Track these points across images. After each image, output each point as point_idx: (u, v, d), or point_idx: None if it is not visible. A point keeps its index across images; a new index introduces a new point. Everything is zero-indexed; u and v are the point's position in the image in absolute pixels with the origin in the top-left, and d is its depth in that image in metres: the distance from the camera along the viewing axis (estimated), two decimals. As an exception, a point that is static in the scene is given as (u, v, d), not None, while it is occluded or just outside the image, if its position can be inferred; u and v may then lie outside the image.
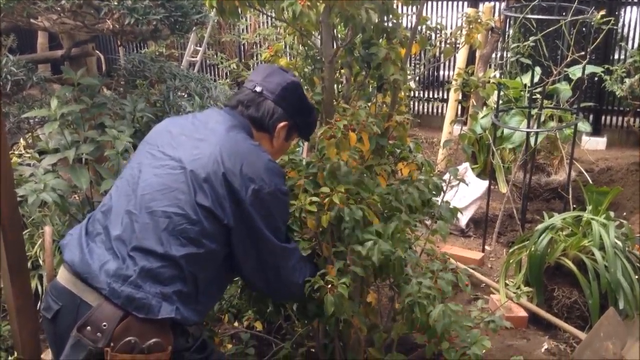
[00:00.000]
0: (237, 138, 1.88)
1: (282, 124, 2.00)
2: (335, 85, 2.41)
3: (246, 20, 7.89)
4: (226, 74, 7.91)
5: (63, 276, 1.78)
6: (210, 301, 1.92)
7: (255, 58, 7.72)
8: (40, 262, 3.49)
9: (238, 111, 1.99)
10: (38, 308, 2.85)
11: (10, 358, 2.89)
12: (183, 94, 3.54)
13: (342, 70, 2.43)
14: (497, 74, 6.16)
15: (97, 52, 3.72)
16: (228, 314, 2.70)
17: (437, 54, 3.42)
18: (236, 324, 2.95)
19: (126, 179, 1.87)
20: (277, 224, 1.89)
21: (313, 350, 2.74)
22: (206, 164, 1.78)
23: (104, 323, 1.63)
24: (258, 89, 1.98)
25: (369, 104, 2.39)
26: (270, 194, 1.82)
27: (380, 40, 2.27)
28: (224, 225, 1.77)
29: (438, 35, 2.58)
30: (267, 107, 1.97)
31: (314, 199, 1.94)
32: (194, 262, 1.74)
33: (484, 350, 2.21)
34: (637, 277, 3.32)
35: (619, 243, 3.36)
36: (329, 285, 1.93)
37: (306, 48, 2.41)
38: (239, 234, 1.80)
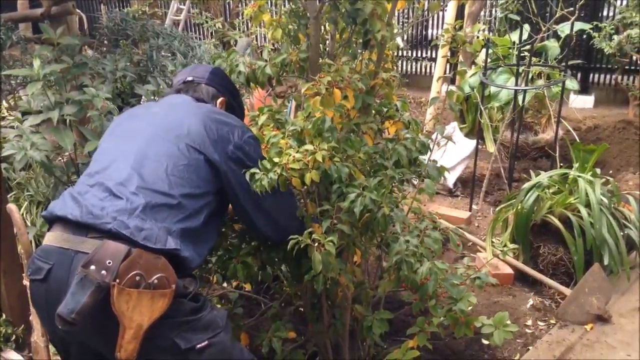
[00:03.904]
0: (202, 104, 2.10)
1: (220, 100, 2.21)
2: (321, 44, 2.36)
3: (231, -23, 7.74)
4: (211, 33, 7.78)
5: (52, 238, 1.77)
6: (207, 245, 1.96)
7: (240, 17, 7.59)
8: (28, 223, 3.47)
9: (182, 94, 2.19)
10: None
11: (-2, 320, 2.89)
12: (167, 53, 3.48)
13: (328, 27, 2.38)
14: (485, 29, 6.10)
15: (78, 10, 3.64)
16: (216, 275, 2.70)
17: (425, 10, 3.37)
18: (225, 284, 2.96)
19: (109, 149, 1.94)
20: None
21: (301, 309, 2.76)
22: (190, 120, 1.94)
23: (109, 260, 1.62)
24: (189, 78, 2.21)
25: (356, 61, 2.35)
26: (252, 137, 2.03)
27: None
28: (216, 168, 1.90)
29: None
30: (203, 89, 2.20)
31: (298, 155, 1.92)
32: (194, 203, 1.84)
33: (469, 307, 2.24)
34: (622, 233, 3.35)
35: (605, 200, 3.38)
36: (316, 244, 1.93)
37: (291, 3, 2.36)
38: (231, 177, 1.94)
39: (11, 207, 2.08)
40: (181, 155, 1.85)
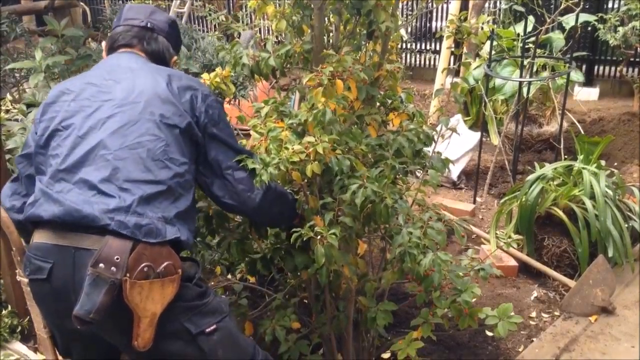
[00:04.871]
0: (158, 66, 1.99)
1: (174, 59, 2.16)
2: (325, 36, 2.35)
3: (235, -31, 7.72)
4: (215, 26, 7.76)
5: (45, 237, 1.74)
6: (194, 217, 1.98)
7: (244, 9, 7.58)
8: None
9: (138, 49, 2.05)
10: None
11: (4, 312, 2.91)
12: (170, 45, 3.47)
13: (332, 19, 2.37)
14: (490, 21, 6.08)
15: (82, 3, 3.63)
16: (221, 266, 2.70)
17: (429, 1, 3.36)
18: (229, 276, 2.97)
19: (76, 136, 1.81)
20: (229, 128, 1.98)
21: (305, 301, 2.76)
22: (153, 90, 1.85)
23: (116, 257, 1.63)
24: (150, 25, 2.07)
25: (360, 53, 2.34)
26: (215, 100, 1.96)
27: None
28: (192, 134, 1.86)
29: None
30: (162, 42, 2.09)
31: (297, 147, 1.91)
32: (182, 181, 1.81)
33: (474, 298, 2.24)
34: (626, 225, 3.35)
35: (610, 192, 3.38)
36: (319, 237, 1.93)
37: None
38: (204, 141, 1.90)
39: None
40: (159, 136, 1.78)
